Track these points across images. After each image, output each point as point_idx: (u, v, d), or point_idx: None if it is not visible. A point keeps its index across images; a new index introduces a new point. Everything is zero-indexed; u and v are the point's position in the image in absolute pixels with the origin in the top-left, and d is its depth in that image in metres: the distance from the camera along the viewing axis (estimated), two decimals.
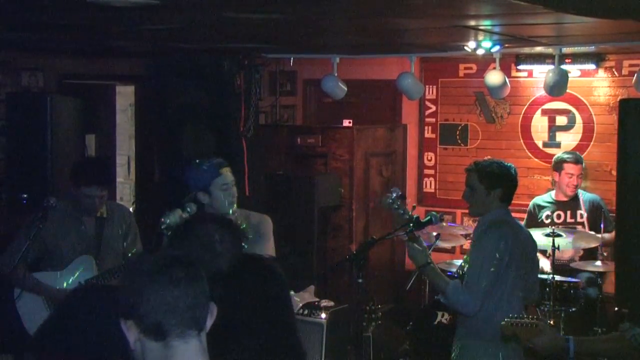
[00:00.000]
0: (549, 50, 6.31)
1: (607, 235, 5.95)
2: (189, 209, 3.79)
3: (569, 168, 6.41)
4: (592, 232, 6.18)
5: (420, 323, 6.00)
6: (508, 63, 7.06)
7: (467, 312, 3.92)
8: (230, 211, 3.98)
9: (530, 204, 6.69)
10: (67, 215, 4.61)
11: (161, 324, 1.84)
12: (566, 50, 6.33)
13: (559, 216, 6.49)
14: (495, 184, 4.04)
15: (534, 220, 6.56)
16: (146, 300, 1.83)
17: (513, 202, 7.09)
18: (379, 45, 6.31)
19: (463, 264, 4.84)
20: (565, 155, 6.54)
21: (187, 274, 1.89)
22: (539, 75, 6.99)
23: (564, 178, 6.44)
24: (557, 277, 5.75)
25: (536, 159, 7.21)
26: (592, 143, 6.95)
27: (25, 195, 5.45)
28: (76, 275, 4.53)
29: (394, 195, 3.93)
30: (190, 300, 1.86)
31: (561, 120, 7.12)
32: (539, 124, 7.20)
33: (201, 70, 6.72)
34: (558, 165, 6.49)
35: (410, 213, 3.95)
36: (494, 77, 6.49)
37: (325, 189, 6.98)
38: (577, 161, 6.44)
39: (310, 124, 8.19)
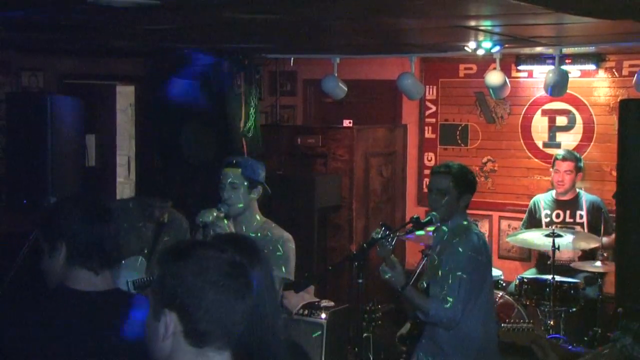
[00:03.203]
0: (549, 50, 6.31)
1: (606, 239, 5.95)
2: (222, 209, 3.81)
3: (558, 164, 6.50)
4: (591, 234, 6.19)
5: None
6: (508, 63, 7.06)
7: (450, 325, 3.80)
8: (236, 215, 3.88)
9: (531, 201, 6.71)
10: (129, 216, 4.67)
11: (208, 333, 1.72)
12: (566, 50, 6.33)
13: (558, 215, 6.50)
14: (467, 189, 3.96)
15: (534, 218, 6.58)
16: (205, 308, 1.70)
17: (513, 202, 7.23)
18: (379, 46, 6.31)
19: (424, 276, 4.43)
20: (558, 152, 6.65)
21: (247, 285, 1.76)
22: (539, 75, 6.99)
23: (554, 174, 6.51)
24: (557, 278, 5.75)
25: (536, 159, 7.21)
26: (592, 143, 6.95)
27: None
28: (123, 274, 4.52)
29: (383, 229, 3.78)
30: (243, 315, 1.74)
31: (561, 120, 7.12)
32: (539, 124, 7.20)
33: (201, 70, 6.72)
34: (553, 163, 6.57)
35: (393, 243, 3.81)
36: (494, 77, 6.50)
37: (325, 189, 6.98)
38: (565, 158, 6.48)
39: (310, 124, 8.19)
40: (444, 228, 3.93)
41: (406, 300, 3.94)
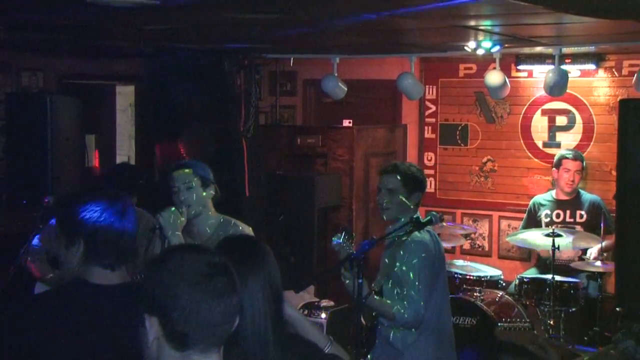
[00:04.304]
0: (549, 50, 6.31)
1: (606, 242, 5.94)
2: (180, 210, 3.79)
3: (567, 164, 6.47)
4: (592, 234, 6.19)
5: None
6: (508, 63, 7.07)
7: (415, 325, 3.77)
8: (195, 216, 3.85)
9: (531, 202, 6.71)
10: None
11: (187, 335, 1.71)
12: (566, 50, 6.33)
13: (558, 215, 6.50)
14: (416, 187, 3.94)
15: (533, 219, 6.58)
16: (180, 308, 1.70)
17: (513, 202, 7.24)
18: (379, 45, 6.31)
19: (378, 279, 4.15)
20: (565, 152, 6.64)
21: (227, 285, 1.75)
22: (539, 75, 6.99)
23: (562, 174, 6.50)
24: (557, 277, 5.75)
25: (536, 159, 7.22)
26: (592, 143, 6.95)
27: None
28: None
29: (343, 234, 3.77)
30: (224, 316, 1.74)
31: (561, 120, 7.12)
32: (539, 124, 7.20)
33: (201, 70, 6.72)
34: (557, 162, 6.56)
35: (352, 248, 3.77)
36: (494, 77, 6.49)
37: (325, 189, 6.98)
38: (576, 158, 6.49)
39: (310, 124, 8.19)
40: (398, 227, 3.84)
41: (369, 309, 3.87)
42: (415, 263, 3.75)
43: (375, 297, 3.82)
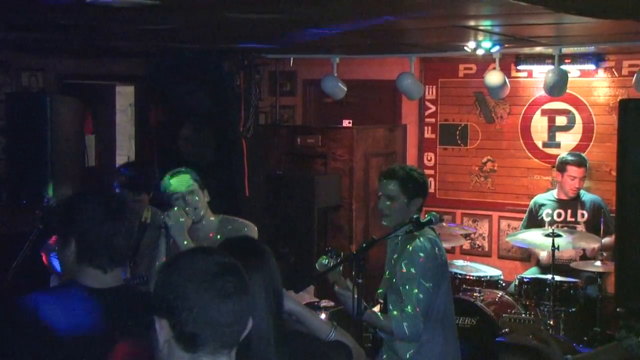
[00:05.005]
0: (549, 50, 6.32)
1: (607, 240, 5.94)
2: (190, 215, 3.88)
3: (572, 171, 6.39)
4: (592, 234, 6.18)
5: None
6: (508, 63, 7.07)
7: (414, 338, 3.67)
8: (198, 220, 3.93)
9: (532, 201, 6.70)
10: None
11: (197, 336, 1.72)
12: (566, 50, 6.33)
13: (559, 215, 6.49)
14: (417, 193, 3.81)
15: (534, 218, 6.57)
16: (189, 309, 1.71)
17: (513, 202, 7.24)
18: (379, 46, 6.32)
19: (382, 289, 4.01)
20: (569, 157, 6.50)
21: (236, 285, 1.75)
22: (538, 75, 6.99)
23: (566, 180, 6.42)
24: (557, 277, 5.75)
25: (536, 159, 7.22)
26: (592, 143, 6.95)
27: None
28: None
29: (329, 254, 3.64)
30: (234, 316, 1.74)
31: (561, 120, 7.12)
32: (539, 124, 7.20)
33: (201, 70, 6.72)
34: (561, 167, 6.46)
35: (340, 269, 3.65)
36: (493, 77, 6.50)
37: (325, 189, 6.98)
38: (581, 164, 6.40)
39: (310, 124, 8.20)
40: (400, 233, 3.74)
41: (367, 324, 3.79)
42: (416, 274, 3.66)
43: (374, 310, 3.75)
